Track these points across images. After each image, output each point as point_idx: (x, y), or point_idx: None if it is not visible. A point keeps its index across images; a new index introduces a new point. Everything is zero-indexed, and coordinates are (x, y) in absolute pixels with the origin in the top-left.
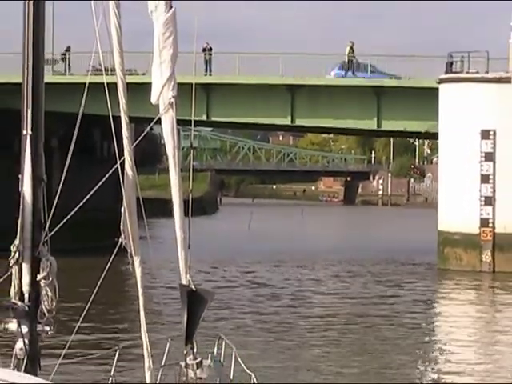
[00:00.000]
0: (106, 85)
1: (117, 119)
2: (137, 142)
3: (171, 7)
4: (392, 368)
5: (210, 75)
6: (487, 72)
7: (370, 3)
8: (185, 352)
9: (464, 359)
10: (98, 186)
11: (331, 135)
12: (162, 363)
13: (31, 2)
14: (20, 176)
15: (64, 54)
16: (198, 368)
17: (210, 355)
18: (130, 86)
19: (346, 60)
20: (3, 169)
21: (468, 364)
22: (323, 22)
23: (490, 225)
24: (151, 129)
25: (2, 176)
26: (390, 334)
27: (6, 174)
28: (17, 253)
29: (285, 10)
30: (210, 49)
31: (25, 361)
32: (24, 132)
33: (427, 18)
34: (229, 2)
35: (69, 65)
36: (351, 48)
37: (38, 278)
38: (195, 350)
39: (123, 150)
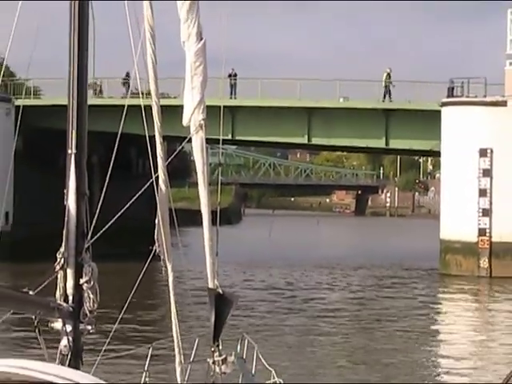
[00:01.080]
0: (142, 107)
1: (151, 138)
2: (170, 159)
3: (201, 38)
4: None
5: (235, 98)
6: (485, 96)
7: (377, 31)
8: (212, 349)
9: (459, 351)
10: (134, 198)
11: (344, 153)
12: (191, 359)
13: (76, 34)
14: (65, 191)
15: (126, 79)
16: (223, 364)
17: (233, 353)
18: (163, 109)
19: (383, 86)
20: (48, 183)
21: (463, 355)
22: (334, 50)
23: (487, 234)
24: (182, 146)
25: (47, 189)
26: (396, 325)
27: (51, 188)
28: (62, 259)
29: (300, 39)
30: (235, 74)
31: (69, 356)
32: (69, 151)
33: (428, 45)
34: (253, 34)
35: (128, 88)
36: (388, 74)
37: (80, 282)
38: (221, 348)
39: (157, 166)
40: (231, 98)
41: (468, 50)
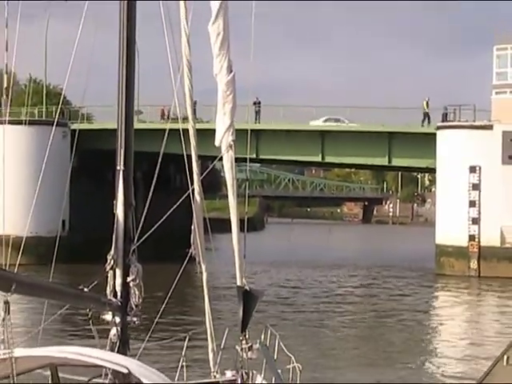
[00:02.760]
0: (181, 131)
1: (188, 157)
2: (203, 175)
3: (231, 71)
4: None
5: (259, 123)
6: (474, 121)
7: (379, 64)
8: (240, 338)
9: (451, 335)
10: (173, 208)
11: (352, 169)
12: (222, 347)
13: (124, 69)
14: (114, 201)
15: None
16: (249, 351)
17: (258, 341)
18: (198, 132)
19: (423, 113)
20: (99, 195)
21: (454, 341)
22: (343, 78)
23: (476, 240)
24: (214, 164)
25: (98, 201)
26: (398, 316)
27: (102, 199)
28: (112, 260)
29: (314, 68)
30: (259, 102)
31: (117, 344)
32: (118, 168)
33: (425, 75)
34: (274, 65)
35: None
36: (427, 102)
37: (127, 280)
38: (247, 337)
39: (193, 181)
40: (256, 122)
41: (459, 80)
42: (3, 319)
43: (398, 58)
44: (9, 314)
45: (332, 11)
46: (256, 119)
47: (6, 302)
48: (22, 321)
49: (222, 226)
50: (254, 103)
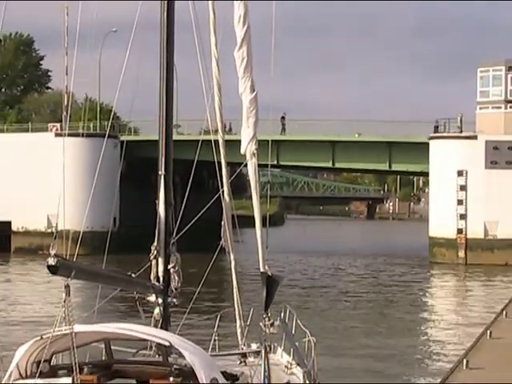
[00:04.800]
0: (212, 141)
1: (219, 163)
2: (231, 178)
3: (254, 90)
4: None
5: (285, 134)
6: (461, 132)
7: (381, 87)
8: (263, 316)
9: (441, 310)
10: (206, 207)
11: (358, 174)
12: (248, 323)
13: (165, 88)
14: (156, 201)
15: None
16: (271, 326)
17: (278, 318)
18: (226, 142)
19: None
20: (144, 196)
21: (443, 312)
22: (346, 98)
23: (464, 233)
24: (240, 169)
25: (143, 201)
26: (397, 294)
27: (146, 199)
28: (155, 251)
29: (327, 89)
30: (284, 118)
31: (160, 321)
32: (160, 172)
33: (422, 92)
34: (292, 86)
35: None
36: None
37: (168, 267)
38: (270, 315)
39: (223, 184)
40: (281, 133)
41: (450, 98)
42: (64, 300)
43: (398, 81)
44: (69, 295)
45: (344, 42)
46: (282, 130)
47: (67, 286)
48: (79, 302)
49: (248, 221)
50: (282, 117)
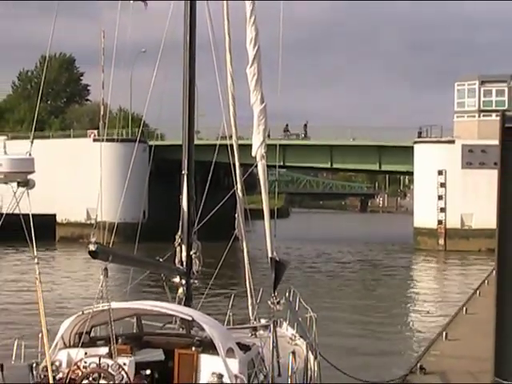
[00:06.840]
0: (228, 145)
1: (233, 164)
2: (244, 177)
3: (263, 102)
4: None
5: (308, 139)
6: (441, 137)
7: (374, 97)
8: (272, 295)
9: (423, 289)
10: (223, 201)
11: (353, 173)
12: (258, 301)
13: (187, 100)
14: (180, 196)
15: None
16: (278, 304)
17: (284, 297)
18: (240, 146)
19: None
20: (170, 192)
21: (425, 291)
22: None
23: (443, 224)
24: (252, 169)
25: (168, 196)
26: (385, 275)
27: (171, 195)
28: (179, 239)
29: (327, 100)
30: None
31: (183, 299)
32: (183, 172)
33: (408, 104)
34: (295, 97)
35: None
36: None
37: (191, 253)
38: (276, 295)
39: (237, 182)
40: (303, 139)
41: (432, 108)
42: (102, 281)
43: (389, 92)
44: (107, 277)
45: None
46: (305, 135)
47: (105, 269)
48: (115, 283)
49: (258, 214)
50: (305, 125)
